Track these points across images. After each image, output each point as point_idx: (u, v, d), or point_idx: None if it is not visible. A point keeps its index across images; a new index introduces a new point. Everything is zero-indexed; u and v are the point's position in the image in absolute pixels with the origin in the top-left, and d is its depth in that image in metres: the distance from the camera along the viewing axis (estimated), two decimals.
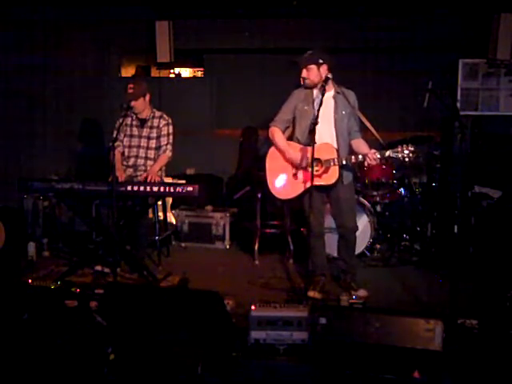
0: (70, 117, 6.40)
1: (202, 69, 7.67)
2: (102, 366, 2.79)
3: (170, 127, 4.69)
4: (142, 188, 4.10)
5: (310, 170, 3.71)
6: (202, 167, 6.73)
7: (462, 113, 5.58)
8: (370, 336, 2.88)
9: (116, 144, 4.46)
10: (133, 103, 4.47)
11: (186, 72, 8.41)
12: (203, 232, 5.57)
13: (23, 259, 4.83)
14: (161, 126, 4.66)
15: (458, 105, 5.86)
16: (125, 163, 4.71)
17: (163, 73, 7.76)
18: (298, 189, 4.05)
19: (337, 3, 6.07)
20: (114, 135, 4.36)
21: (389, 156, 3.82)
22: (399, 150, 3.78)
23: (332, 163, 3.89)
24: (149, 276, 4.28)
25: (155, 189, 4.09)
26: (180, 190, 4.05)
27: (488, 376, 2.78)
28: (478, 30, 5.93)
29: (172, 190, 4.07)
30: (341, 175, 3.96)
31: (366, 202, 5.05)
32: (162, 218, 5.06)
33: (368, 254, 5.09)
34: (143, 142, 4.68)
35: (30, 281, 4.10)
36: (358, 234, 4.72)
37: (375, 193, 5.23)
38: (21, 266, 4.72)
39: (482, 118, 5.92)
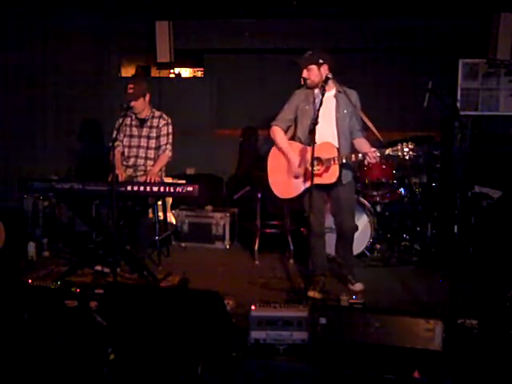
0: (70, 117, 6.40)
1: (202, 69, 7.67)
2: (101, 366, 2.79)
3: (170, 127, 4.69)
4: (141, 188, 4.10)
5: (309, 168, 3.74)
6: (202, 167, 6.73)
7: (462, 113, 5.58)
8: (370, 336, 2.88)
9: (116, 144, 4.46)
10: (133, 103, 4.47)
11: (186, 72, 8.41)
12: (203, 232, 5.57)
13: (23, 259, 4.83)
14: (160, 125, 4.66)
15: (458, 105, 5.87)
16: (125, 163, 4.71)
17: (163, 73, 7.76)
18: (298, 188, 4.06)
19: (337, 3, 6.07)
20: (114, 135, 4.37)
21: (388, 154, 3.83)
22: (399, 148, 3.78)
23: (332, 162, 3.90)
24: (149, 276, 4.28)
25: (155, 189, 4.09)
26: (180, 190, 4.05)
27: (488, 376, 2.78)
28: (477, 30, 5.93)
29: (172, 189, 4.07)
30: (340, 175, 3.96)
31: (366, 202, 5.05)
32: (162, 218, 5.06)
33: (368, 254, 5.09)
34: (143, 142, 4.68)
35: (30, 281, 4.09)
36: (357, 233, 4.75)
37: (375, 193, 5.23)
38: (21, 266, 4.72)
39: (482, 118, 5.92)
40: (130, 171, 4.68)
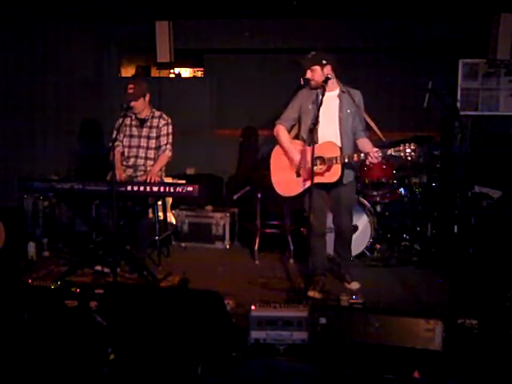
0: (70, 117, 6.39)
1: (201, 69, 7.68)
2: (101, 366, 2.79)
3: (170, 127, 4.69)
4: (142, 188, 4.10)
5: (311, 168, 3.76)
6: (202, 167, 6.73)
7: (462, 113, 5.58)
8: (370, 336, 2.88)
9: (116, 144, 4.46)
10: (133, 103, 4.47)
11: (185, 72, 8.42)
12: (203, 232, 5.57)
13: (23, 259, 4.82)
14: (160, 125, 4.66)
15: (458, 105, 5.86)
16: (124, 163, 4.71)
17: (163, 73, 7.76)
18: (300, 186, 4.07)
19: (337, 3, 6.06)
20: (114, 135, 4.37)
21: (390, 154, 3.86)
22: (401, 148, 3.80)
23: (335, 161, 3.91)
24: (149, 276, 4.27)
25: (155, 189, 4.09)
26: (180, 190, 4.05)
27: (488, 376, 2.77)
28: (477, 30, 5.93)
29: (172, 189, 4.07)
30: (342, 174, 3.97)
31: (366, 202, 5.05)
32: (162, 218, 5.06)
33: (368, 253, 5.09)
34: (143, 142, 4.67)
35: (30, 281, 4.10)
36: (357, 233, 4.76)
37: (375, 193, 5.23)
38: (21, 266, 4.71)
39: (482, 118, 5.92)
40: (129, 171, 4.68)
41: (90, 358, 2.88)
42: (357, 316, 2.99)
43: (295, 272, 4.70)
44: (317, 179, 3.89)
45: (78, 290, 3.71)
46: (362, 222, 4.93)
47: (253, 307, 3.05)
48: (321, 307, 3.26)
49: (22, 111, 5.75)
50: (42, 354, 2.92)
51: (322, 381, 2.78)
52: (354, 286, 4.28)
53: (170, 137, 4.68)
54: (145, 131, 4.68)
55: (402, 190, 5.36)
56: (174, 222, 5.53)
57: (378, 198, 5.24)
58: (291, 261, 5.02)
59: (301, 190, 4.06)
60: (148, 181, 4.37)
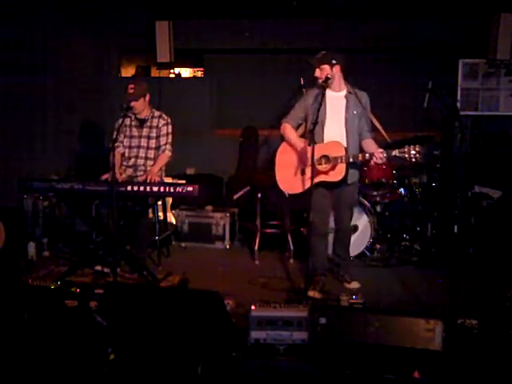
0: (70, 117, 6.40)
1: (202, 69, 7.68)
2: (101, 366, 2.79)
3: (170, 127, 4.68)
4: (142, 188, 4.09)
5: (317, 166, 3.89)
6: (201, 167, 6.73)
7: (461, 113, 5.58)
8: (370, 336, 2.88)
9: (116, 145, 4.46)
10: (133, 103, 4.47)
11: (186, 72, 8.42)
12: (203, 232, 5.56)
13: (23, 259, 4.82)
14: (160, 125, 4.66)
15: (458, 105, 5.86)
16: (125, 163, 4.71)
17: (163, 73, 7.77)
18: (304, 184, 4.07)
19: (337, 3, 6.07)
20: (114, 136, 4.36)
21: (395, 156, 3.88)
22: (406, 150, 3.83)
23: (339, 160, 3.93)
24: (149, 276, 4.27)
25: (155, 189, 4.09)
26: (180, 190, 4.05)
27: (488, 376, 2.77)
28: (477, 30, 5.93)
29: (172, 189, 4.07)
30: (347, 174, 3.99)
31: (366, 202, 5.05)
32: (162, 218, 5.06)
33: (368, 254, 5.09)
34: (143, 142, 4.67)
35: (30, 281, 4.10)
36: (357, 233, 4.76)
37: (375, 193, 5.23)
38: (21, 266, 4.71)
39: (482, 118, 5.91)
40: (129, 171, 4.68)
41: (89, 357, 2.88)
42: (357, 316, 2.99)
43: (295, 272, 4.70)
44: (321, 178, 3.96)
45: (78, 290, 3.71)
46: (362, 222, 4.93)
47: (253, 307, 3.05)
48: (321, 307, 3.26)
49: (22, 111, 5.75)
50: (42, 354, 2.92)
51: (322, 381, 2.78)
52: (354, 285, 4.29)
53: (170, 136, 4.68)
54: (145, 131, 4.68)
55: (402, 189, 5.36)
56: (174, 222, 5.53)
57: (378, 198, 5.24)
58: (291, 261, 5.02)
59: (305, 187, 4.07)
60: (148, 181, 4.37)
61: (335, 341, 2.92)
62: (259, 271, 4.74)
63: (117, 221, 4.06)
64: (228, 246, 5.56)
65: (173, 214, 5.51)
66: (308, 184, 4.01)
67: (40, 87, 5.98)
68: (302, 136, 4.22)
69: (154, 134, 4.67)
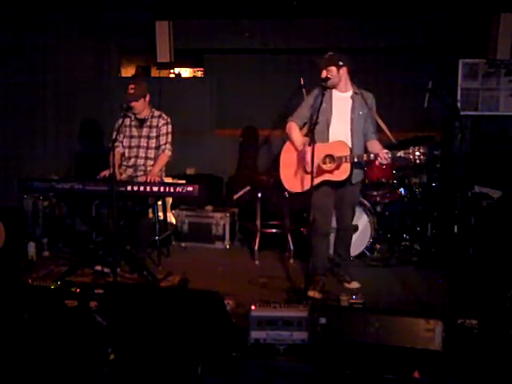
0: (70, 117, 6.40)
1: (202, 69, 7.67)
2: (101, 366, 2.79)
3: (169, 126, 4.68)
4: (142, 188, 4.09)
5: (321, 165, 3.94)
6: (201, 167, 6.73)
7: (462, 113, 5.58)
8: (370, 336, 2.88)
9: (116, 145, 4.46)
10: (133, 104, 4.47)
11: (186, 72, 8.42)
12: (203, 232, 5.56)
13: (23, 259, 4.82)
14: (160, 125, 4.66)
15: (458, 105, 5.86)
16: (125, 163, 4.71)
17: (163, 73, 7.77)
18: (308, 183, 4.07)
19: (337, 3, 6.07)
20: (114, 136, 4.36)
21: (400, 156, 3.89)
22: (410, 151, 3.85)
23: (344, 160, 3.95)
24: (149, 276, 4.27)
25: (155, 189, 4.09)
26: (180, 190, 4.05)
27: (488, 376, 2.77)
28: (478, 30, 5.93)
29: (172, 190, 4.07)
30: (351, 173, 4.00)
31: (366, 202, 5.05)
32: (162, 218, 5.06)
33: (368, 254, 5.09)
34: (143, 142, 4.67)
35: (29, 281, 4.10)
36: (357, 234, 4.76)
37: (375, 193, 5.23)
38: (21, 266, 4.71)
39: (482, 118, 5.91)
40: (129, 171, 4.68)
41: (89, 357, 2.88)
42: (357, 316, 2.99)
43: (295, 272, 4.69)
44: (326, 177, 4.00)
45: (78, 290, 3.71)
46: (362, 222, 4.93)
47: (253, 307, 3.04)
48: (321, 307, 3.26)
49: (22, 111, 5.75)
50: (42, 354, 2.92)
51: (322, 381, 2.78)
52: (354, 285, 4.29)
53: (170, 136, 4.68)
54: (144, 131, 4.67)
55: (402, 189, 5.37)
56: (174, 222, 5.53)
57: (378, 198, 5.24)
58: (291, 261, 5.02)
59: (309, 186, 4.08)
60: (148, 181, 4.37)
61: (335, 341, 2.92)
62: (259, 271, 4.74)
63: (117, 221, 4.06)
64: (228, 246, 5.56)
65: (173, 214, 5.51)
66: (312, 183, 4.03)
67: (40, 87, 5.98)
68: (307, 135, 4.23)
69: (153, 134, 4.67)
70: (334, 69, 4.00)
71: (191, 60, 7.87)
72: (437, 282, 4.39)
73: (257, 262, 5.03)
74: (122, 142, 4.71)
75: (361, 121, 4.08)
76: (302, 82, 5.56)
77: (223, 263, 4.93)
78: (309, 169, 3.99)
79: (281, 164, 4.29)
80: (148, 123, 4.67)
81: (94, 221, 4.64)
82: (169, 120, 4.69)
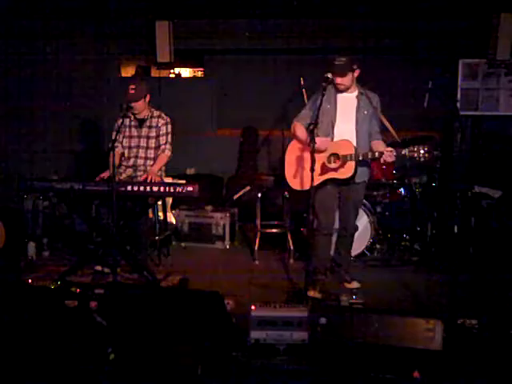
0: (70, 117, 6.40)
1: (202, 69, 7.67)
2: (101, 366, 2.79)
3: (169, 126, 4.68)
4: (142, 188, 4.09)
5: (326, 163, 3.98)
6: (201, 167, 6.73)
7: (462, 113, 5.58)
8: (370, 336, 2.88)
9: (115, 145, 4.45)
10: (133, 104, 4.46)
11: (186, 72, 8.41)
12: (203, 232, 5.57)
13: (23, 259, 4.82)
14: (159, 125, 4.65)
15: (458, 105, 5.86)
16: (125, 163, 4.70)
17: (163, 73, 7.75)
18: (313, 181, 4.08)
19: (337, 3, 6.06)
20: (113, 136, 4.36)
21: (404, 154, 3.91)
22: (415, 149, 3.87)
23: (349, 158, 3.96)
24: (149, 276, 4.27)
25: (155, 189, 4.09)
26: (180, 190, 4.05)
27: (488, 376, 2.77)
28: (478, 30, 5.93)
29: (172, 190, 4.07)
30: (355, 172, 4.01)
31: (366, 202, 5.05)
32: (162, 217, 5.06)
33: (368, 254, 5.09)
34: (142, 142, 4.67)
35: (29, 281, 4.10)
36: (357, 234, 4.75)
37: (375, 193, 5.23)
38: (21, 266, 4.71)
39: (482, 118, 5.92)
40: (129, 171, 4.68)
41: (89, 357, 2.88)
42: (357, 316, 2.99)
43: (295, 272, 4.69)
44: (330, 175, 4.01)
45: (78, 290, 3.71)
46: (362, 222, 4.93)
47: (253, 307, 3.04)
48: (321, 307, 3.26)
49: (22, 111, 5.76)
50: (42, 354, 2.92)
51: (322, 381, 2.78)
52: (354, 285, 4.29)
53: (170, 136, 4.67)
54: (144, 131, 4.67)
55: (402, 189, 5.37)
56: (174, 222, 5.53)
57: (378, 198, 5.24)
58: (291, 261, 5.02)
59: (314, 184, 4.08)
60: (148, 181, 4.37)
61: (335, 341, 2.92)
62: (259, 271, 4.74)
63: (117, 221, 4.06)
64: (228, 246, 5.56)
65: (173, 214, 5.51)
66: (316, 181, 4.04)
67: (40, 87, 5.98)
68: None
69: (153, 134, 4.66)
70: (349, 75, 4.00)
71: (191, 60, 7.87)
72: (437, 282, 4.38)
73: (257, 262, 5.03)
74: (122, 142, 4.70)
75: (366, 120, 4.09)
76: (302, 82, 5.56)
77: (223, 263, 4.93)
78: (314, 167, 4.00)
79: (285, 163, 4.30)
80: (147, 123, 4.67)
81: (93, 221, 4.64)
82: (168, 120, 4.69)
